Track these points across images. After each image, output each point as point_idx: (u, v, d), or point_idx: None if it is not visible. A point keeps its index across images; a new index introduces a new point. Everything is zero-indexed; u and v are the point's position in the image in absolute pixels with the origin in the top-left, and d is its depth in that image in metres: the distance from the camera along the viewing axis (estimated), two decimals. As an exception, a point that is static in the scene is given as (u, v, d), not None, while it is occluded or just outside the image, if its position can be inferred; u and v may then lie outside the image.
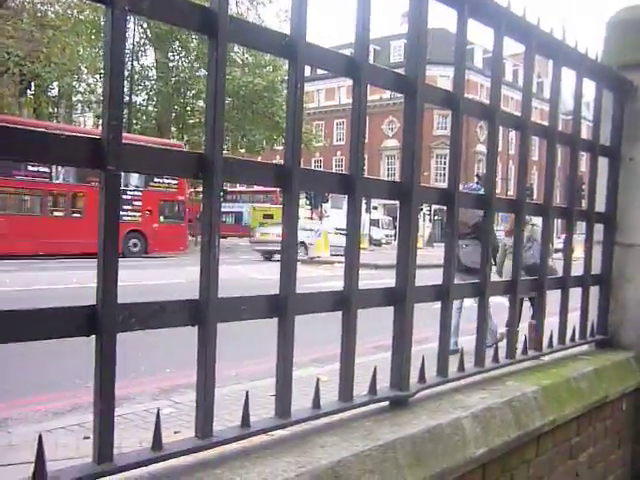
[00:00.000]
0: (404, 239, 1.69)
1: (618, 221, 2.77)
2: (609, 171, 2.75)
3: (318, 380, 1.53)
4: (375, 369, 1.65)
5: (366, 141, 1.67)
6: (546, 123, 2.34)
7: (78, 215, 19.89)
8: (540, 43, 2.19)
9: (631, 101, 2.79)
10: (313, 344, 5.80)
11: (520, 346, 2.23)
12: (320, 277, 13.86)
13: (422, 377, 1.81)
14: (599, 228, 2.76)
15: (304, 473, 1.26)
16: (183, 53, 31.47)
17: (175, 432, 3.28)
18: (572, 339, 2.55)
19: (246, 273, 14.90)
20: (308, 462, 1.31)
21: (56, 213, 20.09)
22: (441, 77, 40.70)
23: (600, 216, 2.71)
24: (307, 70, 1.45)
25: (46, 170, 18.86)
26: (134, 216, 20.99)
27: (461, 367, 1.96)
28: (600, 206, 2.75)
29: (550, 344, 2.40)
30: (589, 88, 2.71)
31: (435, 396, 1.86)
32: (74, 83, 29.05)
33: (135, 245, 21.34)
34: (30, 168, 18.29)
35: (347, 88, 52.58)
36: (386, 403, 1.73)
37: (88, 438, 3.64)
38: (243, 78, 28.09)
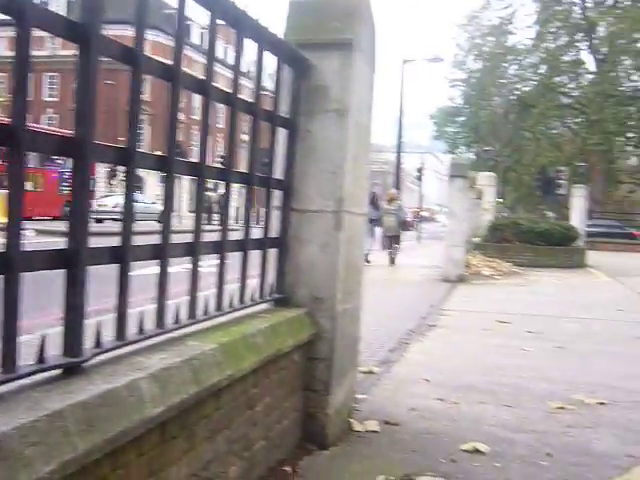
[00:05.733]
0: (78, 197, 1.60)
1: (295, 189, 3.00)
2: (288, 142, 2.95)
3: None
4: (44, 335, 1.55)
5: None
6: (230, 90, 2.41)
7: (40, 190, 24.93)
8: (223, 11, 2.24)
9: (308, 78, 3.02)
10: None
11: (201, 306, 2.29)
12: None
13: (98, 342, 1.75)
14: (279, 195, 2.96)
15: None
16: None
17: None
18: (252, 299, 2.71)
19: None
20: (-42, 441, 1.18)
21: (28, 187, 22.66)
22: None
23: (279, 183, 2.90)
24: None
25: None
26: None
27: (140, 329, 1.94)
28: (280, 174, 2.95)
29: (231, 304, 2.51)
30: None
31: (114, 360, 1.82)
32: None
33: None
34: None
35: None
36: (59, 371, 1.64)
37: None
38: None
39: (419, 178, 34.85)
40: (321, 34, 3.02)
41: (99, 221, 23.81)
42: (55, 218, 23.44)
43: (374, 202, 14.99)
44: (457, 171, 12.15)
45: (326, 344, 2.99)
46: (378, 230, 15.63)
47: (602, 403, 4.00)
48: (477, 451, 3.09)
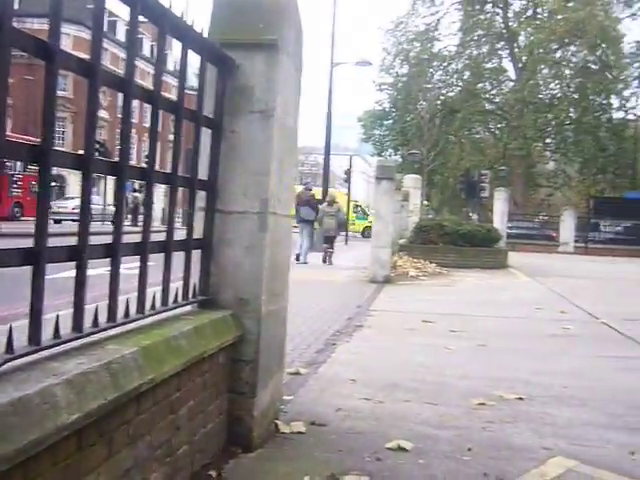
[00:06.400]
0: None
1: (219, 189, 2.96)
2: (212, 142, 2.91)
3: None
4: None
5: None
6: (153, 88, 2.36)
7: None
8: (145, 7, 2.19)
9: (233, 78, 2.99)
10: None
11: (122, 309, 2.23)
12: None
13: (10, 347, 1.68)
14: (203, 195, 2.92)
15: None
16: None
17: None
18: (175, 301, 2.66)
19: None
20: None
21: None
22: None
23: (203, 184, 2.86)
24: None
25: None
26: None
27: (56, 334, 1.87)
28: (204, 175, 2.91)
29: (153, 306, 2.46)
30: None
31: (27, 366, 1.75)
32: None
33: None
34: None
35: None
36: (-34, 379, 1.56)
37: None
38: None
39: (347, 180, 35.22)
40: (247, 34, 3.00)
41: (57, 222, 25.20)
42: (2, 219, 23.67)
43: (310, 203, 15.71)
44: (384, 173, 12.33)
45: (251, 346, 2.97)
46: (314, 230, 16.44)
47: (521, 398, 4.14)
48: (401, 449, 3.14)
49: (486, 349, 5.88)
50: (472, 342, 6.13)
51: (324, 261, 15.42)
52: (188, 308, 2.85)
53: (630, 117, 40.34)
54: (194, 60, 2.77)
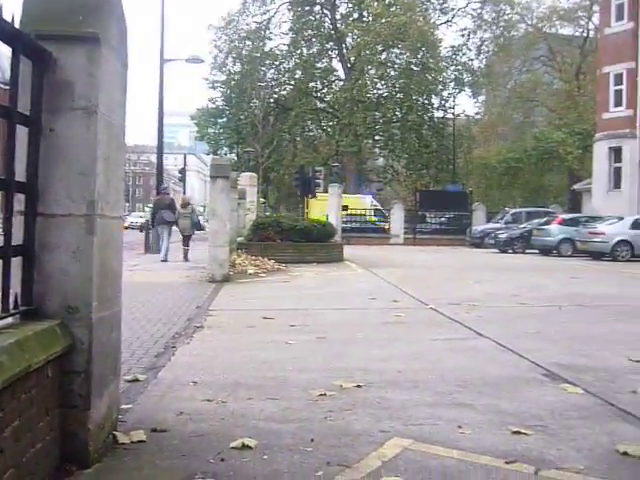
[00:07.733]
0: None
1: (41, 191, 2.77)
2: (30, 141, 2.72)
3: None
4: None
5: None
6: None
7: None
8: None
9: (51, 72, 2.80)
10: None
11: None
12: None
13: None
14: (22, 198, 2.72)
15: None
16: None
17: None
18: (-7, 313, 2.45)
19: None
20: None
21: None
22: None
23: (21, 186, 2.66)
24: None
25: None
26: None
27: None
28: (22, 176, 2.70)
29: (-33, 321, 2.25)
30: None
31: None
32: None
33: None
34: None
35: None
36: None
37: None
38: None
39: (182, 179, 34.61)
40: (65, 26, 2.82)
41: None
42: None
43: (171, 206, 17.10)
44: (218, 172, 12.23)
45: (83, 355, 2.81)
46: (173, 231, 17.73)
47: (359, 386, 4.31)
48: (246, 446, 3.14)
49: (325, 341, 6.05)
50: (312, 335, 6.27)
51: (185, 258, 16.69)
52: (9, 320, 2.63)
53: (449, 116, 43.46)
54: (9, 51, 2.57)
